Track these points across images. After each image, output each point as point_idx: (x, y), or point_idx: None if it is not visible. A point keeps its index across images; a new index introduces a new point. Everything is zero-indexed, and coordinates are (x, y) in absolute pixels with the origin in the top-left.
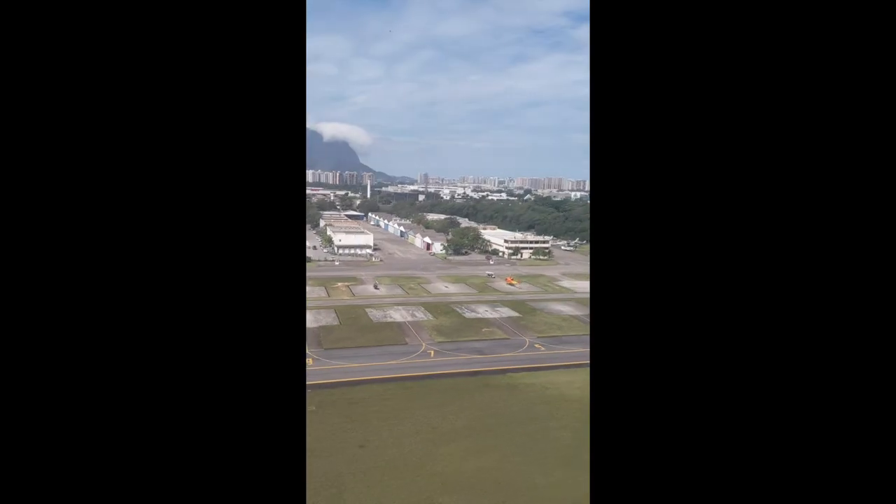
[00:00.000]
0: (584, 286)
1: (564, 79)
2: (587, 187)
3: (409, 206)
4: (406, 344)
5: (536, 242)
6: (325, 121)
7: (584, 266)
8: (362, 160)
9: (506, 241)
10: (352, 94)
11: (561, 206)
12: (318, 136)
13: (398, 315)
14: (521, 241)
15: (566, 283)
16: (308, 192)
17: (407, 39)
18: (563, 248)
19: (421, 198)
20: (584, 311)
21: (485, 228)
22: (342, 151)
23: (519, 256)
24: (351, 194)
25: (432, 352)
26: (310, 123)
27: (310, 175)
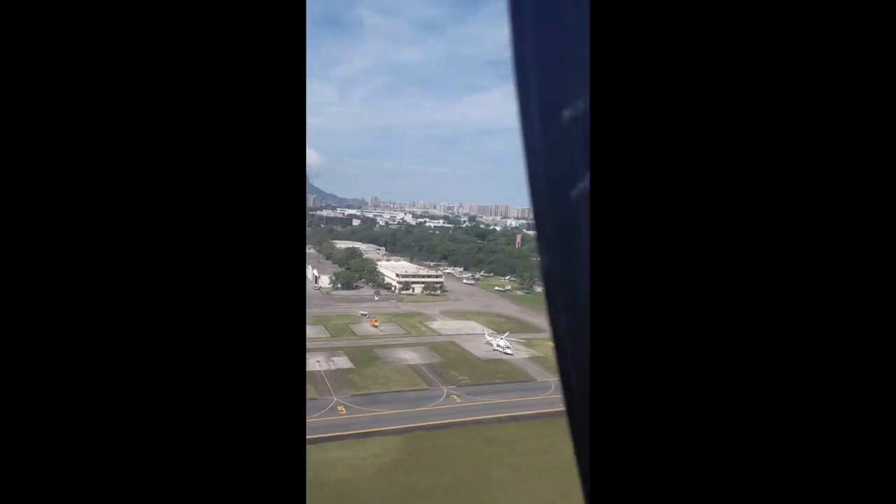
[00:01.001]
0: (454, 326)
1: (515, 109)
2: (530, 216)
3: (323, 233)
4: None
5: (428, 277)
6: None
7: (473, 302)
8: (313, 181)
9: (398, 275)
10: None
11: (487, 235)
12: None
13: None
14: (413, 276)
15: (437, 324)
16: None
17: (363, 65)
18: (464, 281)
19: (356, 222)
20: (430, 360)
21: (388, 259)
22: None
23: (411, 291)
24: None
25: None
26: None
27: None
